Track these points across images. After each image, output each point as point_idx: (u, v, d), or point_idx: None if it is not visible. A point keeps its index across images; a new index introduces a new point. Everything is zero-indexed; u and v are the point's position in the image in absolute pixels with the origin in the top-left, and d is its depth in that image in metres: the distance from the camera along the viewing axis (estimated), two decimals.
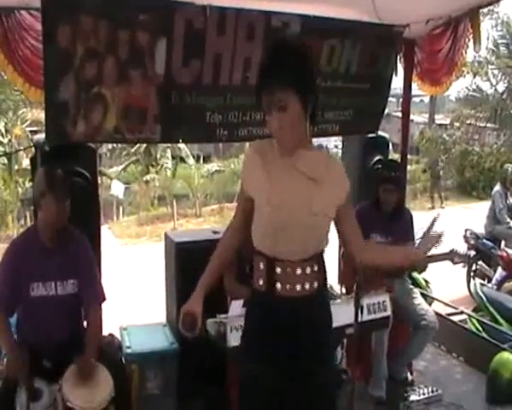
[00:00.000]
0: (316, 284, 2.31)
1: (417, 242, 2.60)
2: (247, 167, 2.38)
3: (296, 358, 2.28)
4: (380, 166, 4.81)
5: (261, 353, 2.30)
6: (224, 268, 2.57)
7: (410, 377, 4.51)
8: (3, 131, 17.25)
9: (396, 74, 5.15)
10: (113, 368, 3.24)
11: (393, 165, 4.68)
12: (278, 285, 2.25)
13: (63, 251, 3.31)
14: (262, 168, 2.27)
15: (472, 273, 7.91)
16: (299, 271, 2.25)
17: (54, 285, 3.28)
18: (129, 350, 4.09)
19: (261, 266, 2.29)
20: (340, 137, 6.97)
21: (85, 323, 3.46)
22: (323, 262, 2.37)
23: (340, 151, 6.18)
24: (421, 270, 4.44)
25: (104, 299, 3.47)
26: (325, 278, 2.39)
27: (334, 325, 3.01)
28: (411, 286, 4.64)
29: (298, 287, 2.26)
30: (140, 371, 4.05)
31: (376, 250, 2.65)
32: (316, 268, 2.30)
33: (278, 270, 2.25)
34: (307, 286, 2.27)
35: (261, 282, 2.29)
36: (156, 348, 4.16)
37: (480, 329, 5.39)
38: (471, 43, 4.49)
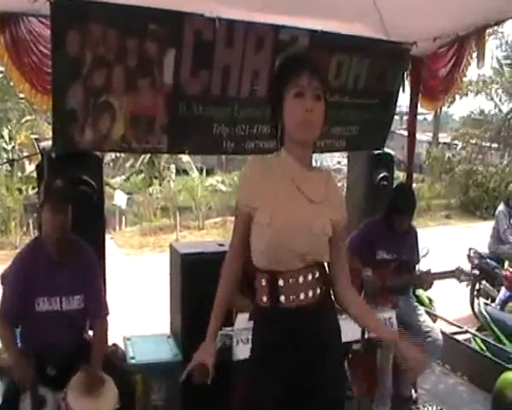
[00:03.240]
0: (318, 291, 2.26)
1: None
2: (248, 185, 2.31)
3: (306, 370, 2.23)
4: (398, 196, 4.44)
5: (271, 368, 2.24)
6: (230, 302, 2.44)
7: (414, 395, 4.46)
8: (7, 138, 17.28)
9: (404, 91, 5.17)
10: (118, 378, 3.21)
11: (409, 194, 4.50)
12: (282, 298, 2.21)
13: (70, 265, 3.29)
14: (265, 186, 2.23)
15: (475, 293, 7.85)
16: (301, 279, 2.21)
17: (59, 300, 3.26)
18: (133, 361, 4.06)
19: (263, 282, 2.25)
20: (344, 154, 6.96)
21: (90, 332, 3.45)
22: (325, 270, 2.33)
23: (343, 168, 6.14)
24: (427, 287, 4.40)
25: (107, 313, 3.45)
26: (327, 287, 2.33)
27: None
28: (416, 303, 4.61)
29: (302, 296, 2.22)
30: (144, 382, 4.01)
31: (371, 322, 2.50)
32: (317, 275, 2.26)
33: (281, 282, 2.20)
34: (310, 294, 2.23)
35: (265, 299, 2.25)
36: (160, 359, 4.13)
37: (484, 348, 5.35)
38: (474, 63, 4.51)
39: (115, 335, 4.23)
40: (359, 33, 4.38)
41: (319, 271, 2.27)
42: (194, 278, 4.14)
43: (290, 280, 2.20)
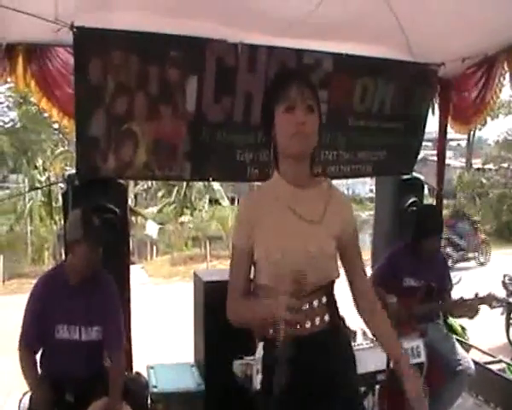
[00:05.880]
0: (327, 318, 2.15)
1: None
2: (243, 224, 2.18)
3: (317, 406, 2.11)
4: (424, 217, 4.36)
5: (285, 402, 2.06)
6: None
7: None
8: (41, 169, 17.62)
9: (433, 114, 5.08)
10: (139, 407, 3.17)
11: (435, 214, 4.46)
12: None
13: (89, 293, 3.25)
14: (259, 219, 2.13)
15: (511, 321, 7.66)
16: (306, 306, 2.07)
17: (78, 330, 3.22)
18: (155, 389, 4.02)
19: None
20: (369, 179, 6.85)
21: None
22: (333, 294, 2.21)
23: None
24: (472, 316, 4.16)
25: (124, 346, 3.43)
26: (338, 311, 2.22)
27: (366, 370, 2.87)
28: (446, 330, 4.47)
29: (307, 324, 2.10)
30: None
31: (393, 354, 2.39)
32: (324, 300, 2.14)
33: None
34: (317, 321, 2.12)
35: (271, 330, 2.10)
36: (183, 389, 4.07)
37: None
38: (506, 83, 4.40)
39: (140, 363, 4.20)
40: (384, 55, 4.32)
41: (327, 296, 2.16)
42: (218, 306, 4.07)
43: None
